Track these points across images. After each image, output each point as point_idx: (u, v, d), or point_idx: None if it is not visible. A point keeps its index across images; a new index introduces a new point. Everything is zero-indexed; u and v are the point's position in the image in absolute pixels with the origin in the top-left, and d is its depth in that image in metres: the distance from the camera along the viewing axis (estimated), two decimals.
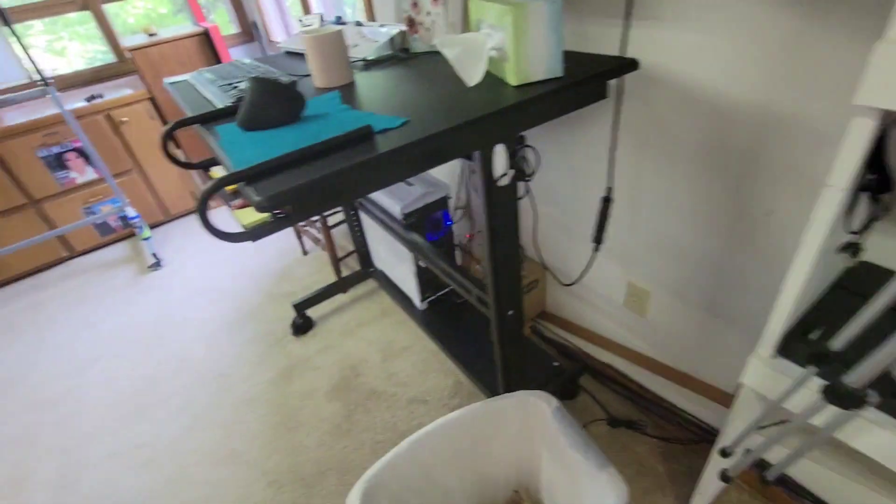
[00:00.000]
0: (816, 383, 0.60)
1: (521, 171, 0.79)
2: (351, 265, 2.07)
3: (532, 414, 0.89)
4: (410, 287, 1.63)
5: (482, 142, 0.74)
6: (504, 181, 0.79)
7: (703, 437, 1.18)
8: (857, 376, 0.50)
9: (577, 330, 1.46)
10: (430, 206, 1.41)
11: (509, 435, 0.92)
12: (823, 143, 0.73)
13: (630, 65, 0.83)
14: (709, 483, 0.93)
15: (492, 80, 0.82)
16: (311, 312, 1.85)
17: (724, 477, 0.79)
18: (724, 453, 0.82)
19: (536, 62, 0.75)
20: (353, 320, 1.79)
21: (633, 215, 1.10)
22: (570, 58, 0.88)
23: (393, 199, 1.38)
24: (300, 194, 0.56)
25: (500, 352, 1.05)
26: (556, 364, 1.32)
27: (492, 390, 1.29)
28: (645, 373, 1.29)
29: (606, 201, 1.10)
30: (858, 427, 0.56)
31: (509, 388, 1.11)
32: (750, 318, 0.98)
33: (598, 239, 1.14)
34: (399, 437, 1.34)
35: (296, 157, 0.61)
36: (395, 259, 1.64)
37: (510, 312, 0.98)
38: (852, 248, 0.61)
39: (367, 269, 1.90)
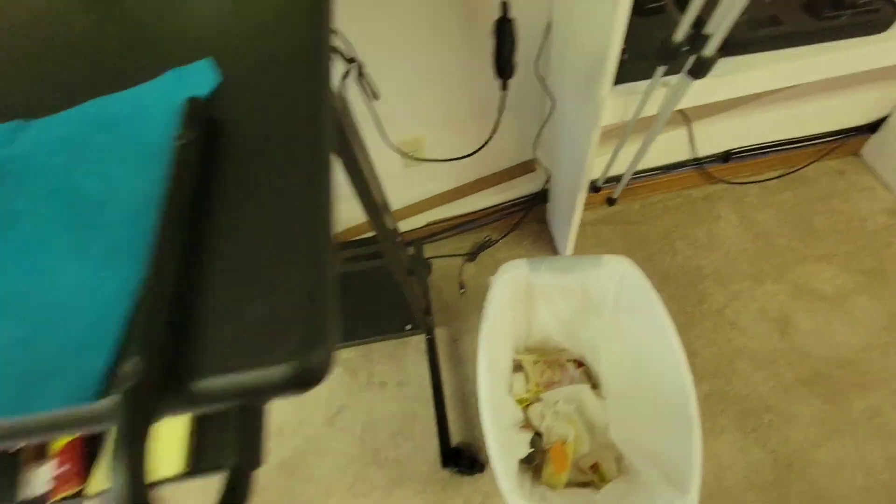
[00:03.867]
0: (665, 79, 0.75)
1: None
2: None
3: (519, 287, 0.84)
4: None
5: None
6: None
7: (531, 203, 1.40)
8: (711, 49, 0.64)
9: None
10: None
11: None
12: None
13: None
14: (578, 213, 1.13)
15: None
16: None
17: (610, 201, 0.99)
18: (595, 188, 1.01)
19: None
20: None
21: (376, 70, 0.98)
22: None
23: None
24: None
25: (415, 279, 0.91)
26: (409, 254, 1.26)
27: (398, 329, 1.17)
28: (461, 201, 1.37)
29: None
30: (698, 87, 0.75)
31: (427, 310, 1.02)
32: (519, 92, 1.09)
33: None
34: None
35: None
36: None
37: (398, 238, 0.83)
38: None
39: None
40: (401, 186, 1.29)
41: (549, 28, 0.97)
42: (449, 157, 1.15)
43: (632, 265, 0.77)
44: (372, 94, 0.64)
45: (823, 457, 1.00)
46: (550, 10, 0.93)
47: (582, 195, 1.06)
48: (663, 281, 1.27)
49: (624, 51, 0.77)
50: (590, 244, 1.37)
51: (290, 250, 0.23)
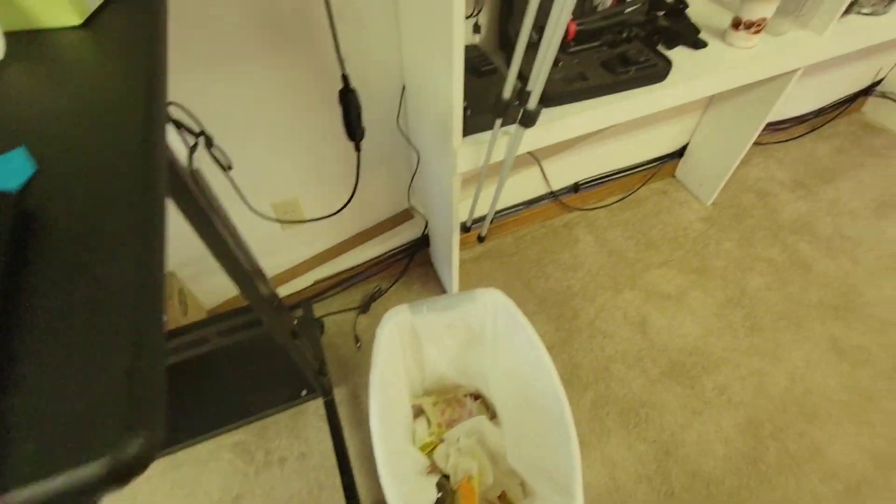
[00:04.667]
0: (504, 129, 0.86)
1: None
2: None
3: (404, 332, 0.85)
4: None
5: None
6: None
7: (414, 249, 1.45)
8: (533, 103, 0.76)
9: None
10: None
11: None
12: None
13: None
14: (456, 253, 1.21)
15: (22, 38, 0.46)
16: None
17: (480, 239, 1.07)
18: (466, 228, 1.09)
19: None
20: None
21: (233, 142, 0.99)
22: None
23: None
24: None
25: (302, 342, 0.89)
26: (294, 322, 1.21)
27: (293, 397, 1.10)
28: (346, 255, 1.37)
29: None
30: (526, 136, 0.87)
31: (322, 371, 0.99)
32: (378, 151, 1.16)
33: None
34: None
35: None
36: None
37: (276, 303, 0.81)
38: (476, 28, 0.82)
39: None
40: (283, 248, 1.27)
41: (403, 90, 1.06)
42: (319, 216, 1.16)
43: (501, 295, 0.84)
44: (225, 165, 0.64)
45: (690, 437, 1.14)
46: (403, 74, 1.02)
47: (455, 237, 1.13)
48: (541, 303, 1.39)
49: (466, 107, 0.87)
50: (473, 280, 1.45)
51: (109, 337, 0.23)
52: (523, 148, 0.91)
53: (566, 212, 1.62)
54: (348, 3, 0.86)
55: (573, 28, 1.00)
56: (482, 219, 1.14)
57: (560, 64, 0.99)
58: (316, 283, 1.39)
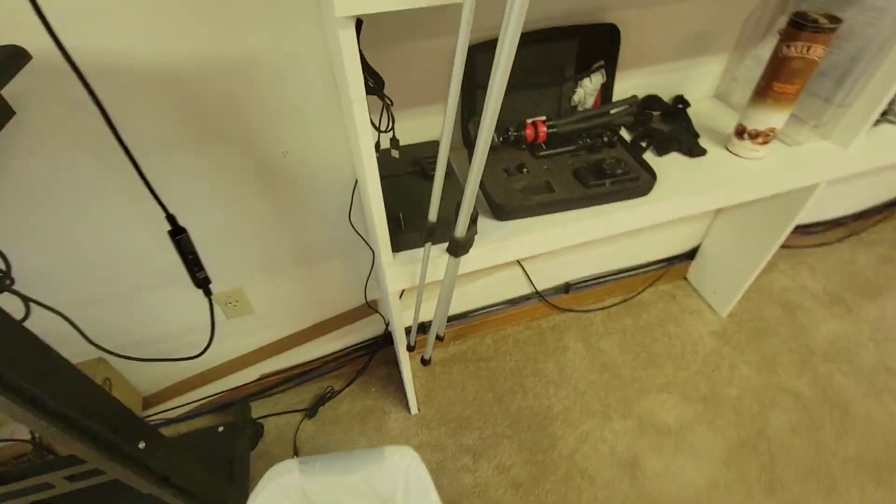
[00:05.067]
0: (434, 250, 0.73)
1: None
2: None
3: (291, 496, 0.69)
4: None
5: None
6: None
7: (376, 346, 1.30)
8: (460, 231, 0.62)
9: (199, 380, 1.20)
10: None
11: None
12: (305, 72, 0.76)
13: (17, 56, 0.56)
14: (408, 369, 1.05)
15: None
16: None
17: (424, 361, 0.92)
18: (410, 347, 0.94)
19: None
20: None
21: (158, 236, 0.90)
22: None
23: None
24: None
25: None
26: (220, 429, 1.07)
27: None
28: (294, 350, 1.24)
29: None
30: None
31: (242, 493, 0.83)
32: (328, 242, 1.05)
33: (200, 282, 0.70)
34: None
35: None
36: None
37: (141, 445, 0.67)
38: (393, 143, 0.71)
39: None
40: (227, 336, 1.15)
41: (356, 184, 0.96)
42: (184, 357, 0.96)
43: (414, 456, 0.67)
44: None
45: None
46: (354, 168, 0.93)
47: (403, 353, 0.98)
48: (514, 424, 1.19)
49: (401, 218, 0.75)
50: (440, 386, 1.28)
51: None
52: (467, 268, 0.78)
53: (556, 312, 1.44)
54: (283, 92, 0.78)
55: (543, 129, 0.88)
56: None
57: (525, 170, 0.87)
58: (262, 377, 1.25)
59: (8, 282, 0.47)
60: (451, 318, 1.32)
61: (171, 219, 0.58)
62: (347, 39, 0.48)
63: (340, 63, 0.52)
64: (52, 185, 0.76)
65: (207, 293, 0.64)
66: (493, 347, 1.37)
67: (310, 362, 1.27)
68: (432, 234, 0.67)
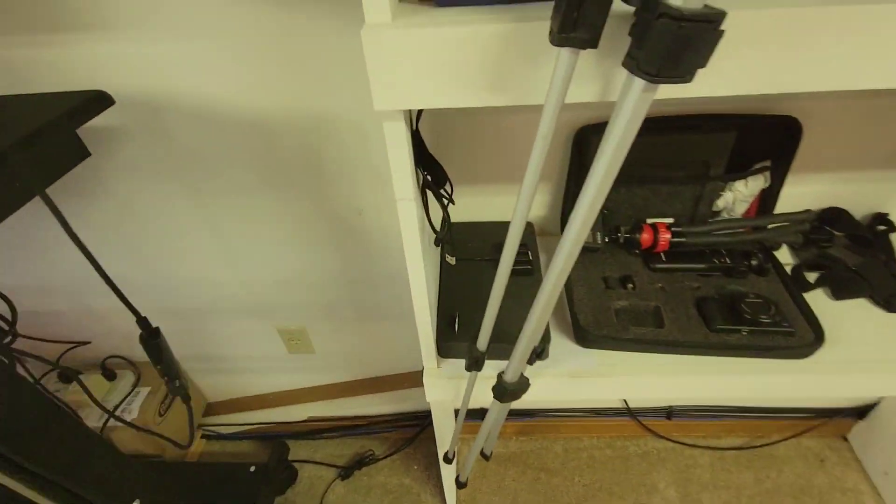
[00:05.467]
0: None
1: None
2: None
3: None
4: None
5: None
6: None
7: (428, 421, 1.19)
8: (510, 375, 0.48)
9: (255, 402, 1.20)
10: None
11: None
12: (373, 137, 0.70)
13: (101, 100, 0.56)
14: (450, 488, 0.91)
15: None
16: None
17: (459, 484, 0.77)
18: (447, 459, 0.79)
19: None
20: None
21: (234, 267, 0.90)
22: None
23: None
24: None
25: None
26: (251, 469, 1.03)
27: None
28: (346, 400, 1.17)
29: None
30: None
31: None
32: (395, 303, 0.97)
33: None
34: None
35: None
36: None
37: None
38: (448, 246, 0.60)
39: None
40: (285, 370, 1.13)
41: None
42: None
43: None
44: None
45: None
46: None
47: (446, 467, 0.84)
48: None
49: (455, 317, 0.63)
50: (488, 489, 1.10)
51: None
52: (524, 399, 0.61)
53: (650, 436, 1.17)
54: (364, 151, 0.72)
55: (665, 237, 0.68)
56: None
57: (631, 286, 0.68)
58: (309, 419, 1.20)
59: (7, 339, 0.45)
60: (516, 413, 1.14)
61: (143, 322, 0.52)
62: (394, 133, 0.38)
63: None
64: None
65: (186, 400, 0.58)
66: (563, 458, 1.15)
67: (358, 417, 1.20)
68: (478, 364, 0.53)
